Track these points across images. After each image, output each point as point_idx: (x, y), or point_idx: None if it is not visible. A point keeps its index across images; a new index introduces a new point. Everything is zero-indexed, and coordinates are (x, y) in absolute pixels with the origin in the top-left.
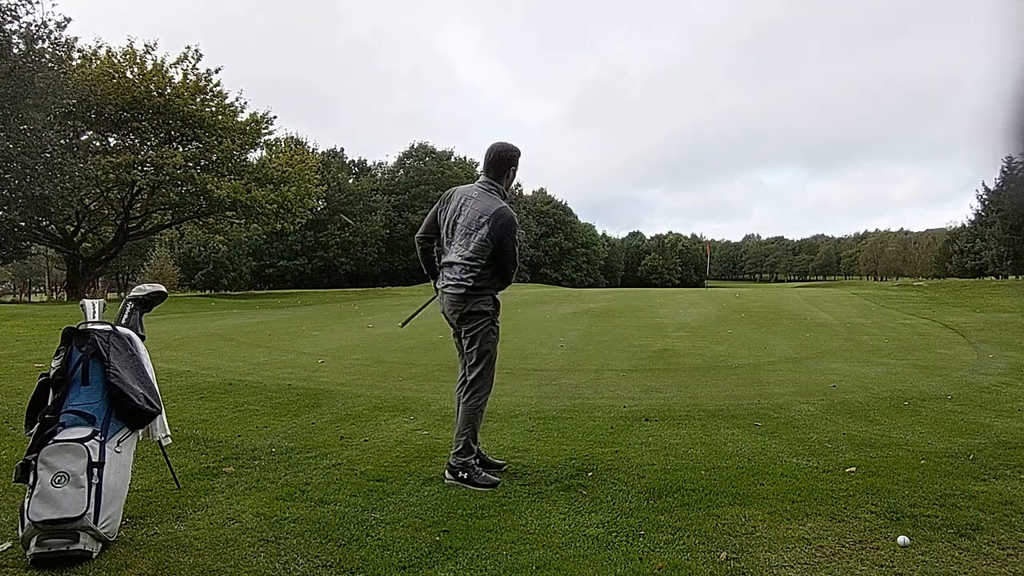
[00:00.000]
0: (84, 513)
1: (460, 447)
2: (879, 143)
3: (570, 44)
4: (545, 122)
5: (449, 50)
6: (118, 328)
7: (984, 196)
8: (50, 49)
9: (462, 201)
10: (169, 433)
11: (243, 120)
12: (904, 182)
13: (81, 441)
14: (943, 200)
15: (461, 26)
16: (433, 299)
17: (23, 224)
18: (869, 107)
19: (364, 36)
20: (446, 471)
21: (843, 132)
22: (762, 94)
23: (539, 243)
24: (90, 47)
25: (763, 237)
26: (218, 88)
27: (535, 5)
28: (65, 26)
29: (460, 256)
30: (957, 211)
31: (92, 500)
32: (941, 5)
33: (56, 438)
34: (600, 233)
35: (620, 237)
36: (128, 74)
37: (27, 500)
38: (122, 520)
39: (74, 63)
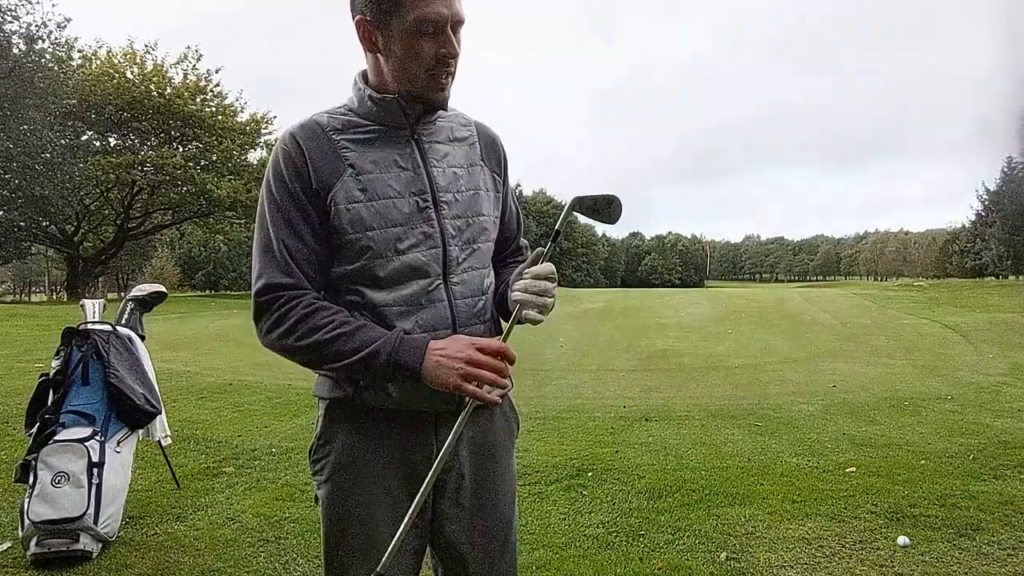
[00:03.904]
0: (84, 513)
1: None
2: (894, 143)
3: (585, 44)
4: (555, 122)
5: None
6: (118, 328)
7: (984, 196)
8: (50, 49)
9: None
10: (169, 433)
11: (243, 120)
12: (921, 181)
13: (81, 441)
14: (959, 199)
15: (469, 24)
16: None
17: (23, 224)
18: (887, 106)
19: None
20: None
21: (858, 132)
22: (774, 94)
23: (539, 243)
24: (90, 47)
25: (763, 237)
26: (218, 88)
27: (550, 2)
28: (65, 26)
29: None
30: (970, 210)
31: (92, 500)
32: (964, 5)
33: (56, 438)
34: (600, 234)
35: (620, 238)
36: (128, 74)
37: (27, 500)
38: (122, 520)
39: (74, 63)
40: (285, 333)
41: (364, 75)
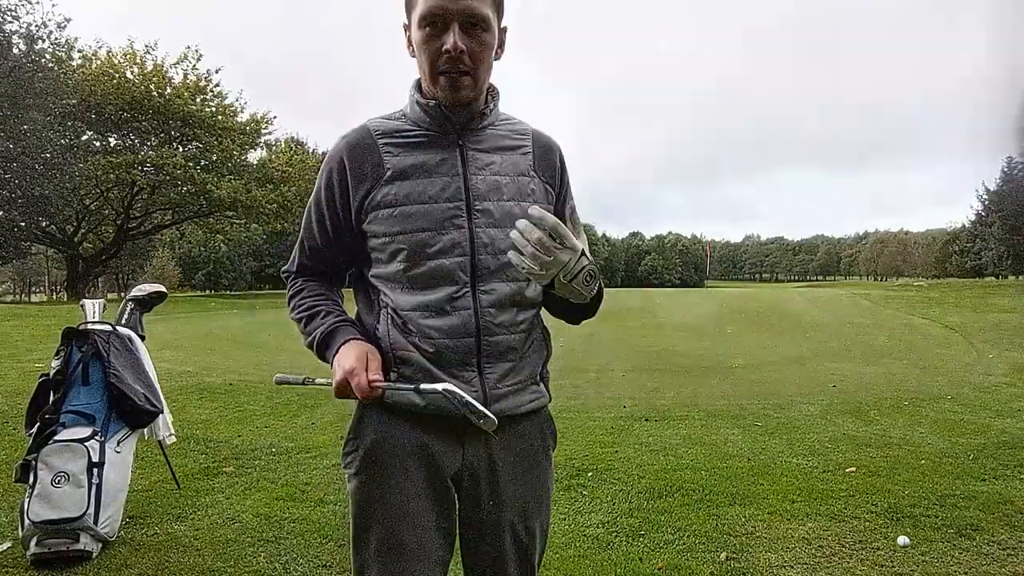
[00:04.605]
0: (84, 513)
1: None
2: (894, 143)
3: (585, 44)
4: (555, 122)
5: None
6: (118, 328)
7: (984, 196)
8: (50, 49)
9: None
10: (173, 432)
11: (243, 120)
12: (920, 181)
13: (81, 441)
14: (959, 199)
15: None
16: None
17: (23, 224)
18: (887, 106)
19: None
20: None
21: (858, 132)
22: (775, 94)
23: None
24: (90, 47)
25: (763, 237)
26: (218, 88)
27: (550, 2)
28: (65, 26)
29: None
30: (969, 210)
31: (92, 500)
32: (965, 5)
33: (56, 438)
34: (600, 234)
35: (620, 237)
36: (128, 74)
37: (27, 500)
38: (122, 520)
39: (74, 63)
40: (287, 305)
41: (418, 81)
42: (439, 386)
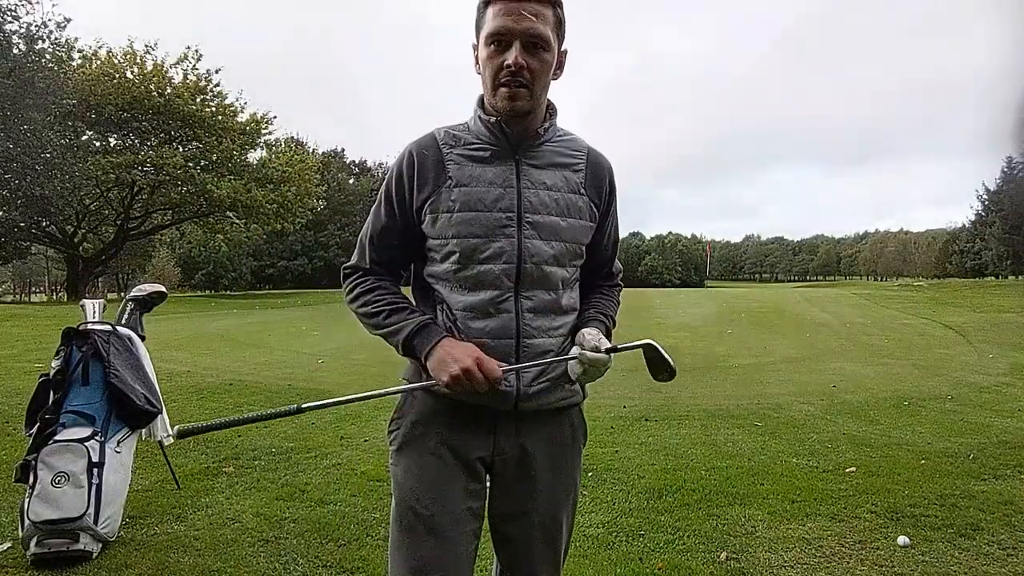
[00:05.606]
0: (84, 513)
1: None
2: (894, 143)
3: (586, 43)
4: (559, 121)
5: (450, 36)
6: (118, 328)
7: (984, 196)
8: (50, 49)
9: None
10: (171, 432)
11: (243, 120)
12: (921, 181)
13: (81, 441)
14: (959, 199)
15: (466, 23)
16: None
17: (23, 224)
18: (887, 106)
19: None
20: None
21: (858, 132)
22: (775, 94)
23: None
24: (90, 47)
25: (763, 237)
26: (218, 88)
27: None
28: (65, 26)
29: None
30: (969, 210)
31: (92, 500)
32: (968, 4)
33: (56, 438)
34: None
35: (620, 237)
36: (128, 74)
37: (27, 500)
38: (122, 520)
39: (74, 63)
40: (352, 300)
41: (481, 97)
42: (639, 342)
